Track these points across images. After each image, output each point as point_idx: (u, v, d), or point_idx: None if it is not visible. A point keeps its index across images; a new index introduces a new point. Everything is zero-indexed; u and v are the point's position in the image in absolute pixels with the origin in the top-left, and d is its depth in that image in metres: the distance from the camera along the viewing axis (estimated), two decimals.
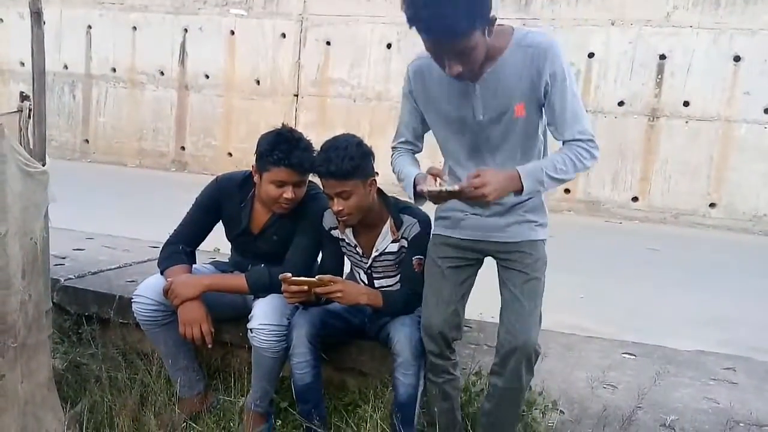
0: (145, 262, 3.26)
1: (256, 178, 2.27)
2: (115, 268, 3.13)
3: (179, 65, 9.37)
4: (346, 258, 2.33)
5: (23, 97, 1.89)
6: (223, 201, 2.39)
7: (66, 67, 9.86)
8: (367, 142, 2.13)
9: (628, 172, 7.45)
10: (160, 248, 2.40)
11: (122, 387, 2.37)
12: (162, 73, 9.46)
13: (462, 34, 1.60)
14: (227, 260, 2.56)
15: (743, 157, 7.06)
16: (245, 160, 8.04)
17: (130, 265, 3.22)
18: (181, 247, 2.37)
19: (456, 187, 1.70)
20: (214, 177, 2.45)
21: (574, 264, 4.34)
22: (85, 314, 2.75)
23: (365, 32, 8.32)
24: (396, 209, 2.19)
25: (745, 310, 3.95)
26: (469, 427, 2.10)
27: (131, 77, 9.65)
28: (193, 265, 2.39)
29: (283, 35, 8.78)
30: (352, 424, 2.21)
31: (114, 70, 9.73)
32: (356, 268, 2.32)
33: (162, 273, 2.30)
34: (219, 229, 2.46)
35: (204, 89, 9.26)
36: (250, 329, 2.14)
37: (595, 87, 7.48)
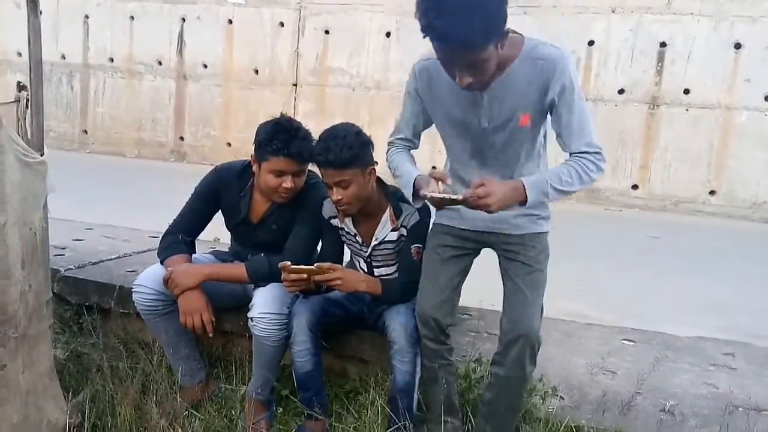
0: (144, 252, 3.26)
1: (255, 167, 2.26)
2: (115, 258, 3.13)
3: (177, 55, 9.32)
4: (346, 247, 2.33)
5: (20, 87, 1.88)
6: (222, 191, 2.39)
7: (63, 57, 9.81)
8: (366, 131, 2.13)
9: (628, 160, 7.44)
10: (160, 238, 2.41)
11: (124, 376, 2.37)
12: (160, 63, 9.41)
13: (476, 47, 1.59)
14: (227, 250, 2.56)
15: (743, 144, 7.04)
16: (244, 150, 8.04)
17: (130, 255, 3.22)
18: (180, 237, 2.37)
19: (460, 196, 1.71)
20: (213, 167, 2.44)
21: (574, 251, 4.34)
22: (86, 304, 2.76)
23: (364, 21, 8.27)
24: (395, 198, 2.19)
25: (745, 297, 3.95)
26: (469, 414, 2.11)
27: (129, 67, 9.61)
28: (193, 255, 2.39)
29: (282, 24, 8.73)
30: (353, 411, 2.22)
31: (112, 60, 9.68)
32: (356, 257, 2.32)
33: (162, 263, 2.31)
34: (219, 218, 2.46)
35: (202, 79, 9.22)
36: (251, 318, 2.14)
37: (595, 75, 7.45)
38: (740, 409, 2.10)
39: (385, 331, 2.11)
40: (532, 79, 1.76)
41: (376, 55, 8.28)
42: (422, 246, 2.14)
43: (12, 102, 1.86)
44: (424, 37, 1.60)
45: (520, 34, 1.76)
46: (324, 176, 2.09)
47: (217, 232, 2.77)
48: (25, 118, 1.89)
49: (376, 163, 2.13)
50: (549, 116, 1.84)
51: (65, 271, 2.85)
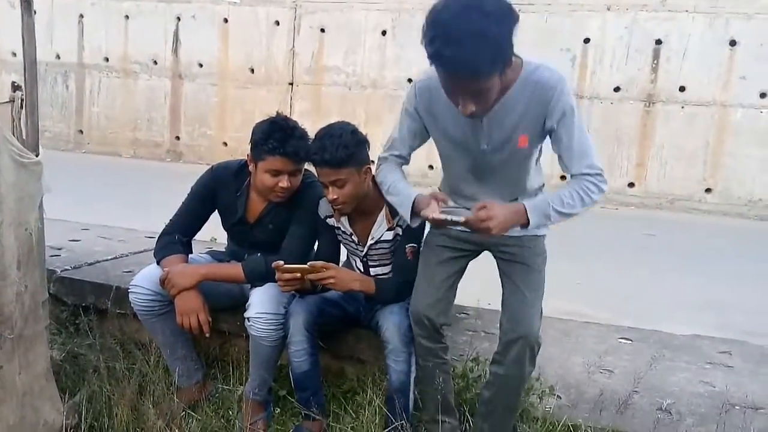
0: (141, 252, 3.26)
1: (251, 167, 2.26)
2: (111, 259, 3.13)
3: (172, 54, 9.29)
4: (342, 246, 2.33)
5: (15, 87, 1.87)
6: (218, 190, 2.38)
7: (58, 56, 9.77)
8: (362, 129, 2.12)
9: (624, 158, 7.45)
10: (156, 238, 2.40)
11: (120, 377, 2.37)
12: (155, 62, 9.38)
13: (483, 77, 1.60)
14: (224, 250, 2.55)
15: (739, 141, 7.06)
16: (240, 149, 8.03)
17: (127, 255, 3.21)
18: (177, 237, 2.36)
19: (462, 219, 1.73)
20: (210, 166, 2.43)
21: (570, 250, 4.33)
22: (82, 305, 2.75)
23: (359, 19, 8.25)
24: None
25: (741, 295, 3.96)
26: (467, 413, 2.11)
27: (124, 66, 9.58)
28: (190, 255, 2.38)
29: (277, 23, 8.71)
30: (351, 411, 2.22)
31: (107, 59, 9.65)
32: (352, 256, 2.32)
33: (158, 263, 2.30)
34: (215, 218, 2.45)
35: (198, 78, 9.20)
36: (248, 318, 2.14)
37: (591, 73, 7.46)
38: (737, 407, 2.10)
39: (379, 331, 2.11)
40: (531, 102, 1.77)
41: (372, 54, 8.27)
42: (417, 246, 2.14)
43: (7, 102, 1.86)
44: (431, 64, 1.61)
45: (519, 57, 1.76)
46: (320, 175, 2.09)
47: (213, 232, 2.76)
48: (20, 119, 1.88)
49: (372, 162, 2.13)
50: (548, 137, 1.86)
51: (61, 271, 2.84)
